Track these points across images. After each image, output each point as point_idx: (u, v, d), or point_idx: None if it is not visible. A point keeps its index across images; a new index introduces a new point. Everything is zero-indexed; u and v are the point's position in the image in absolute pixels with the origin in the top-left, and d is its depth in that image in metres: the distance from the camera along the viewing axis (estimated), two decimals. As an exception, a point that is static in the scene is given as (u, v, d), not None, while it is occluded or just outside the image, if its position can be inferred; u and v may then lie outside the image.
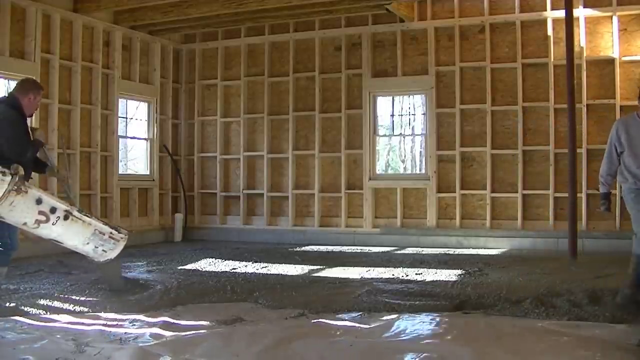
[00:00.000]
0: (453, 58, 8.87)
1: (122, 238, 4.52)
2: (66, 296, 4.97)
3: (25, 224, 4.14)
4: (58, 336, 3.82)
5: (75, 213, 4.27)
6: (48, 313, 4.44)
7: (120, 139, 9.56)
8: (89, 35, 8.84)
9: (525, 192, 8.52)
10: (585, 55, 8.14)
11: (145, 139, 10.07)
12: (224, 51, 10.30)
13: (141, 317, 4.44)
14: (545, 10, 8.39)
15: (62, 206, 4.22)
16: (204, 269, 6.69)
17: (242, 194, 10.06)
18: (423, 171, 9.66)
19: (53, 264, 6.81)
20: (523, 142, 8.49)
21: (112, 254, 4.50)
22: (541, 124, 8.45)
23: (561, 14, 7.61)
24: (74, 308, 4.62)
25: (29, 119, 5.04)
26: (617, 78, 8.01)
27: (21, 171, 3.96)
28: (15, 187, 3.91)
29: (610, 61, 8.06)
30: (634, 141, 4.60)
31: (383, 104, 9.81)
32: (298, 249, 8.64)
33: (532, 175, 8.52)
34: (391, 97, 9.81)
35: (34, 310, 4.48)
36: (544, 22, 8.41)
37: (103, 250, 4.44)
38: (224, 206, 10.26)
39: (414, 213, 9.13)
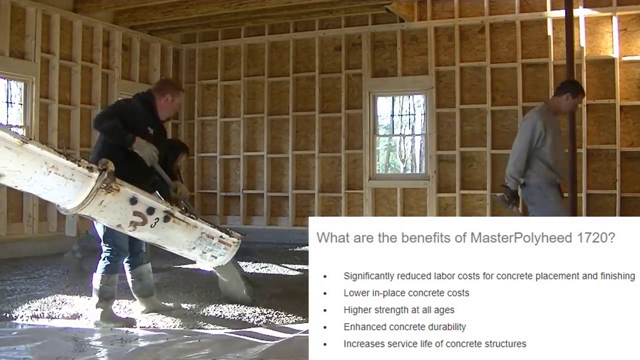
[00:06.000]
0: (453, 58, 8.86)
1: (234, 243, 4.07)
2: (62, 298, 4.96)
3: (119, 225, 3.67)
4: (58, 336, 3.81)
5: (178, 214, 3.75)
6: (44, 316, 4.39)
7: (120, 139, 9.55)
8: (89, 35, 8.83)
9: (525, 192, 8.51)
10: (585, 55, 8.13)
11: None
12: (223, 51, 10.30)
13: (142, 317, 4.45)
14: (545, 10, 8.38)
15: (161, 206, 3.72)
16: (203, 270, 6.67)
17: (242, 194, 10.07)
18: (423, 171, 9.65)
19: (53, 264, 6.80)
20: (523, 142, 8.48)
21: (223, 260, 4.07)
22: (541, 123, 8.44)
23: (561, 14, 7.60)
24: (69, 311, 4.55)
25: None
26: (617, 78, 7.99)
27: (111, 166, 3.48)
28: (105, 185, 3.43)
29: (610, 61, 8.05)
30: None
31: (383, 104, 9.81)
32: (298, 249, 8.63)
33: (532, 175, 8.51)
34: (391, 97, 9.81)
35: (31, 312, 4.45)
36: (544, 22, 8.40)
37: (212, 256, 3.99)
38: (224, 206, 10.26)
39: (414, 213, 9.12)
